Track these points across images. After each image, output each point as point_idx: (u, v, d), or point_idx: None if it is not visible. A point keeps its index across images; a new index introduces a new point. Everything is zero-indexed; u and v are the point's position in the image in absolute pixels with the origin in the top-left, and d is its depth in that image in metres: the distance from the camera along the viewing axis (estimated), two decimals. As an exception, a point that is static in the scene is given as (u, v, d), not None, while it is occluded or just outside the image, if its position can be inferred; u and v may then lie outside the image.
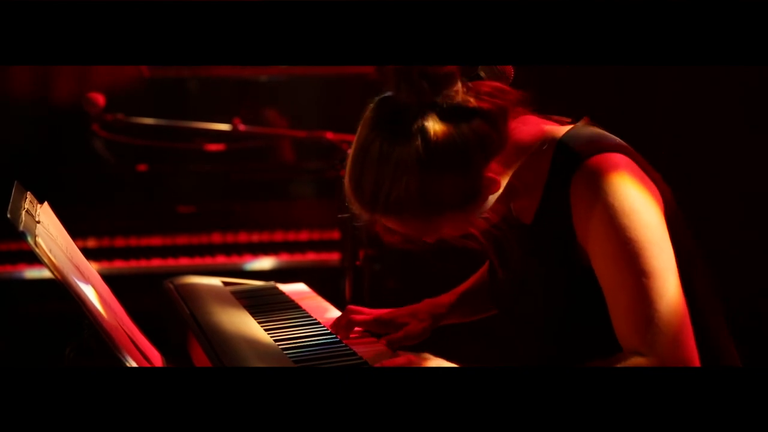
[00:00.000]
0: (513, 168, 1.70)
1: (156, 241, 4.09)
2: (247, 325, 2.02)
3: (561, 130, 1.73)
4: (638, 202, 1.62)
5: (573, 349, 1.71)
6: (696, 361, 1.59)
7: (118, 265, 3.98)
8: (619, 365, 1.56)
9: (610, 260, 1.61)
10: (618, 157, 1.66)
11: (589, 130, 1.73)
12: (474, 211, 1.65)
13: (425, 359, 1.61)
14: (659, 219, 1.64)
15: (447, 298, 2.13)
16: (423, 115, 1.58)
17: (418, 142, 1.57)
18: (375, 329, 2.05)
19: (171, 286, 2.37)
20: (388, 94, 1.64)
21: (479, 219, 1.67)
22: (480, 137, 1.60)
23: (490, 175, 1.62)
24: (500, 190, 1.67)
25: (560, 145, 1.70)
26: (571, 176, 1.65)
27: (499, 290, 1.91)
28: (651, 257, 1.59)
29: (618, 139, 1.71)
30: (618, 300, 1.61)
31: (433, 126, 1.57)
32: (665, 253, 1.61)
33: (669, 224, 1.66)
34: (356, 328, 2.05)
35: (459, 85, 1.61)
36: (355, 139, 1.65)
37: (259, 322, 2.05)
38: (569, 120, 1.77)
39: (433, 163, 1.57)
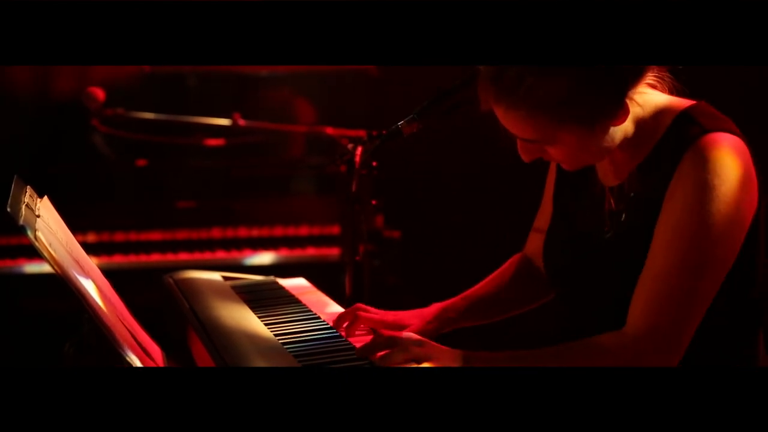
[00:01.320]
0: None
1: (156, 235, 4.08)
2: (247, 319, 2.02)
3: (684, 102, 1.76)
4: (738, 197, 1.63)
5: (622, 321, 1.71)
6: (667, 363, 1.63)
7: (118, 259, 3.97)
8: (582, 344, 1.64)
9: (677, 227, 1.64)
10: (739, 142, 1.68)
11: (711, 108, 1.75)
12: (597, 133, 1.67)
13: (404, 336, 1.67)
14: (746, 217, 1.66)
15: (459, 302, 2.10)
16: None
17: None
18: (379, 330, 2.04)
19: (171, 280, 2.36)
20: None
21: (588, 149, 1.69)
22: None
23: (626, 102, 1.65)
24: (623, 124, 1.69)
25: (683, 114, 1.72)
26: (688, 146, 1.67)
27: (556, 253, 1.91)
28: (712, 249, 1.62)
29: (736, 126, 1.73)
30: (654, 267, 1.64)
31: None
32: (727, 258, 1.64)
33: (759, 221, 1.69)
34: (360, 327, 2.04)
35: None
36: None
37: (259, 317, 2.05)
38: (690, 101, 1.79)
39: (583, 74, 1.61)
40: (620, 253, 1.75)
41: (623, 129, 1.72)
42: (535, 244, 2.10)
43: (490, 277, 2.16)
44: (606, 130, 1.69)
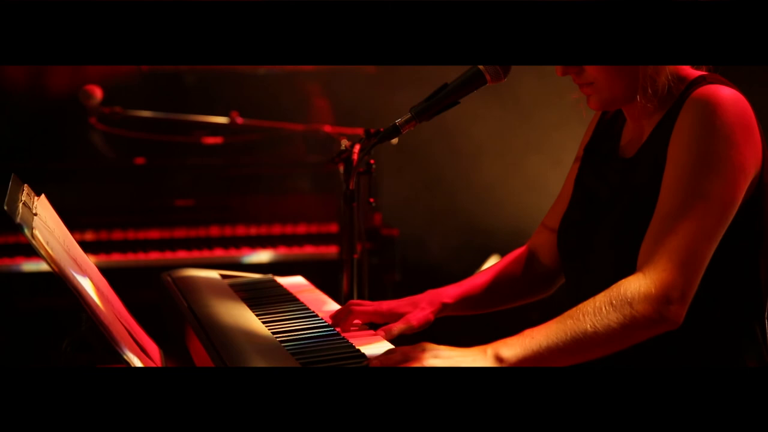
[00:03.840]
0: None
1: (154, 234, 4.09)
2: (245, 318, 2.02)
3: (700, 72, 1.79)
4: (738, 140, 1.66)
5: None
6: (680, 311, 1.61)
7: (116, 258, 3.97)
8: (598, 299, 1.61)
9: (678, 172, 1.67)
10: (739, 96, 1.70)
11: (724, 79, 1.77)
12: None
13: (423, 350, 1.61)
14: (747, 167, 1.68)
15: (456, 289, 2.10)
16: None
17: None
18: (376, 320, 2.04)
19: (169, 279, 2.36)
20: None
21: (625, 74, 1.72)
22: None
23: None
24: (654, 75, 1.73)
25: (697, 78, 1.76)
26: (688, 98, 1.71)
27: (572, 229, 1.92)
28: (718, 189, 1.64)
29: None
30: (662, 208, 1.67)
31: None
32: (732, 197, 1.66)
33: (764, 182, 1.71)
34: (356, 321, 2.04)
35: None
36: None
37: (257, 315, 2.05)
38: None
39: None
40: (630, 224, 1.77)
41: (653, 77, 1.75)
42: (542, 239, 2.11)
43: (491, 267, 2.16)
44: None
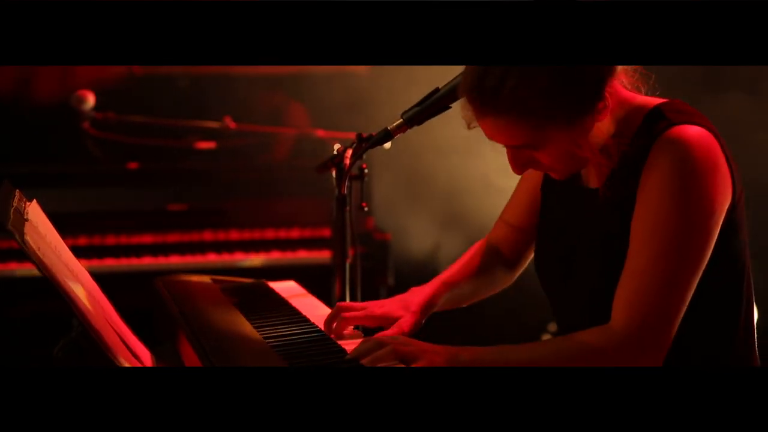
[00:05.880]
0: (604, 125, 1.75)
1: (147, 239, 4.08)
2: (237, 323, 2.02)
3: (655, 101, 1.79)
4: (708, 185, 1.66)
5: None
6: (653, 362, 1.64)
7: (109, 263, 3.97)
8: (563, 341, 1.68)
9: (651, 221, 1.66)
10: (706, 134, 1.69)
11: (685, 105, 1.77)
12: (582, 130, 1.69)
13: (393, 338, 1.69)
14: (718, 210, 1.67)
15: (438, 288, 2.12)
16: None
17: None
18: (368, 324, 2.04)
19: (161, 284, 2.36)
20: None
21: (575, 150, 1.71)
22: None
23: (606, 96, 1.67)
24: (604, 123, 1.72)
25: (654, 110, 1.75)
26: (655, 139, 1.70)
27: (548, 261, 1.94)
28: (690, 241, 1.64)
29: (709, 121, 1.74)
30: (634, 262, 1.66)
31: None
32: (704, 246, 1.66)
33: (737, 215, 1.71)
34: (349, 327, 2.04)
35: None
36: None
37: (249, 320, 2.05)
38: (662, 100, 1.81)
39: (563, 69, 1.63)
40: (605, 256, 1.77)
41: (605, 128, 1.75)
42: (501, 234, 2.16)
43: (460, 263, 2.19)
44: (590, 127, 1.71)
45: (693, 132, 1.68)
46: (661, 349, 1.65)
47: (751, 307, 1.81)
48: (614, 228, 1.76)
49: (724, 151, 1.70)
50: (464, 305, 2.19)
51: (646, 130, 1.73)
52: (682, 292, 1.65)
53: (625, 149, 1.75)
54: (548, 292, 1.97)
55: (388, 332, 1.99)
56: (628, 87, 1.79)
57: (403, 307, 2.05)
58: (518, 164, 1.77)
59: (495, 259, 2.17)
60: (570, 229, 1.88)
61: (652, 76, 1.80)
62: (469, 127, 1.75)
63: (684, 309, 1.66)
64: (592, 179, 1.85)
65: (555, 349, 1.69)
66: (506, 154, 1.76)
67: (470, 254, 2.20)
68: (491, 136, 1.72)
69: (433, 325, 2.11)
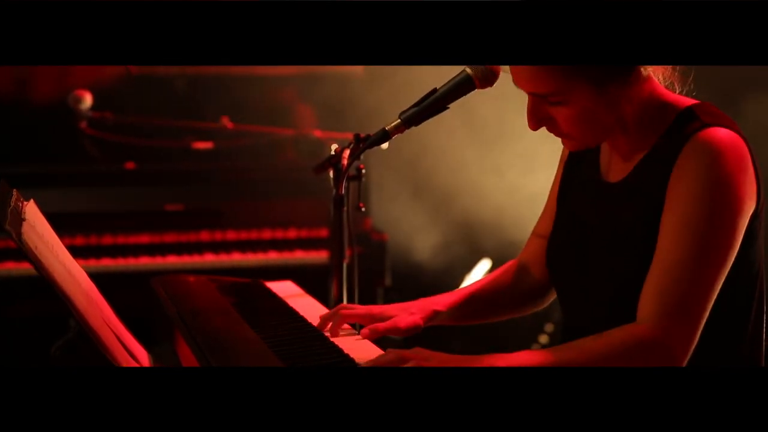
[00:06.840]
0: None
1: (144, 239, 4.08)
2: (234, 322, 2.02)
3: (688, 101, 1.79)
4: (738, 188, 1.67)
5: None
6: (683, 361, 1.63)
7: (106, 263, 3.97)
8: (601, 340, 1.64)
9: (681, 222, 1.67)
10: (738, 138, 1.71)
11: (716, 108, 1.78)
12: (608, 98, 1.70)
13: (417, 352, 1.63)
14: (746, 212, 1.69)
15: (449, 298, 2.09)
16: None
17: None
18: (365, 323, 2.03)
19: (158, 284, 2.36)
20: None
21: (596, 114, 1.71)
22: None
23: (640, 71, 1.70)
24: (630, 109, 1.73)
25: (687, 111, 1.76)
26: (687, 140, 1.70)
27: (562, 253, 1.93)
28: (720, 241, 1.66)
29: (738, 126, 1.76)
30: (662, 260, 1.67)
31: None
32: (732, 246, 1.67)
33: (758, 222, 1.73)
34: (344, 326, 2.04)
35: None
36: None
37: (246, 320, 2.05)
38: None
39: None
40: (623, 250, 1.77)
41: (631, 112, 1.75)
42: (533, 248, 2.10)
43: (485, 279, 2.15)
44: (616, 99, 1.72)
45: (726, 135, 1.69)
46: (692, 344, 1.65)
47: (761, 319, 1.81)
48: (631, 222, 1.76)
49: (752, 157, 1.72)
50: (482, 321, 2.14)
51: (678, 128, 1.74)
52: (711, 291, 1.66)
53: (655, 142, 1.76)
54: (558, 285, 1.96)
55: (382, 324, 1.98)
56: (663, 83, 1.80)
57: (404, 308, 2.05)
58: (536, 118, 1.75)
59: (524, 277, 2.11)
60: (586, 222, 1.88)
61: (691, 75, 1.81)
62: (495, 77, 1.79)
63: (710, 304, 1.67)
64: (613, 173, 1.85)
65: (596, 349, 1.65)
66: (526, 106, 1.75)
67: (498, 271, 2.16)
68: (519, 80, 1.72)
69: (432, 325, 2.10)
